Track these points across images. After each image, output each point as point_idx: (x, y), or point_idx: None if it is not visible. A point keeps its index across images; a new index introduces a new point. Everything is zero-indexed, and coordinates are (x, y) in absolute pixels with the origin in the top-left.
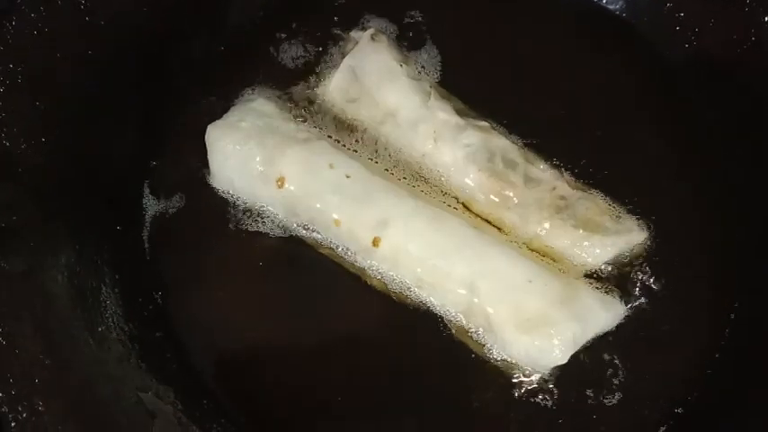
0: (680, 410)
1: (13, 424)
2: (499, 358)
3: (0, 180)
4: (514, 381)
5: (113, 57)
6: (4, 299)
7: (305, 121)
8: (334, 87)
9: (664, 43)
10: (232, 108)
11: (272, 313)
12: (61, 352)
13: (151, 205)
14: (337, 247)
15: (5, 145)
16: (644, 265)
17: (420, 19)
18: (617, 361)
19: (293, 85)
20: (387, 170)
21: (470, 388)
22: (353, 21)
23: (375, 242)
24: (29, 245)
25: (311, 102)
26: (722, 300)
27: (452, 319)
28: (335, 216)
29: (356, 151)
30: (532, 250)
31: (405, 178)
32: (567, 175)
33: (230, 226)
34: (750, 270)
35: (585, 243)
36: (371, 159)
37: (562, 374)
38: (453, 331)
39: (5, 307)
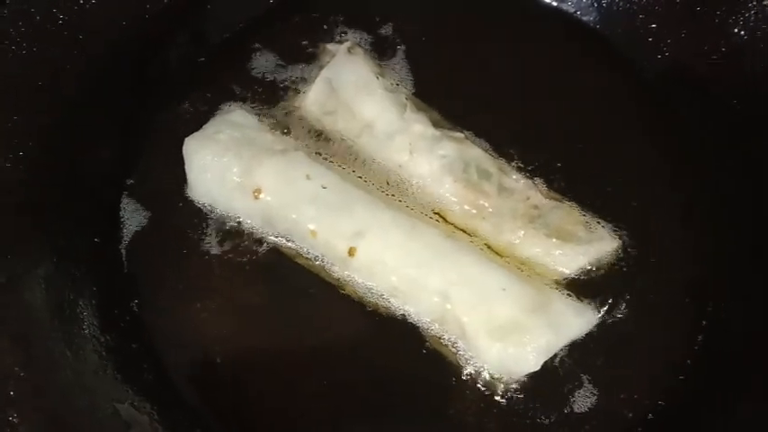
0: (651, 416)
1: None
2: (473, 366)
3: None
4: (489, 388)
5: (91, 70)
6: None
7: (282, 133)
8: (312, 99)
9: (638, 54)
10: (210, 120)
11: (249, 324)
12: (37, 364)
13: (129, 217)
14: (314, 258)
15: None
16: (616, 272)
17: (395, 31)
18: (589, 367)
19: (271, 96)
20: (363, 181)
21: (446, 395)
22: (330, 34)
23: (351, 252)
24: (6, 257)
25: (289, 113)
26: (694, 306)
27: (427, 327)
28: (312, 227)
29: (333, 162)
30: (507, 259)
31: (381, 189)
32: (540, 185)
33: (208, 238)
34: (722, 276)
35: (558, 252)
36: (348, 170)
37: (535, 381)
38: (428, 340)
39: None
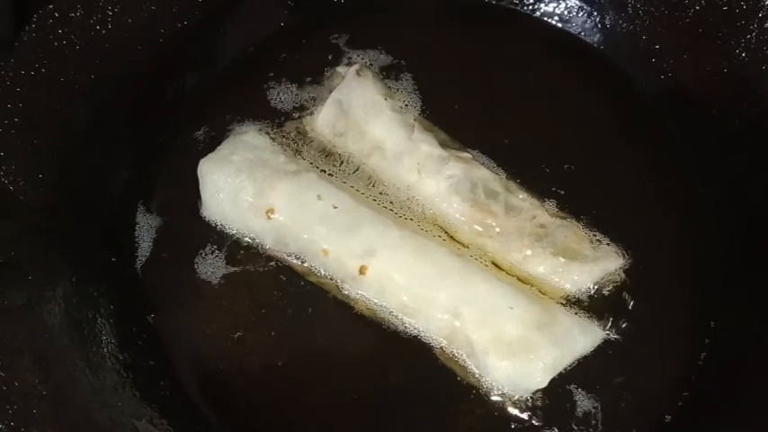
0: None
1: None
2: (482, 383)
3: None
4: (497, 405)
5: (108, 94)
6: (5, 332)
7: (294, 154)
8: (322, 121)
9: (641, 75)
10: (224, 141)
11: (263, 341)
12: (58, 383)
13: (144, 237)
14: (326, 276)
15: (4, 182)
16: (622, 290)
17: (403, 52)
18: (595, 384)
19: (283, 118)
20: (374, 200)
21: (455, 411)
22: (339, 56)
23: (362, 270)
24: (27, 279)
25: (300, 134)
26: (698, 324)
27: (437, 344)
28: (323, 246)
29: (343, 181)
30: (514, 277)
31: (391, 208)
32: (546, 203)
33: (222, 256)
34: (725, 294)
35: (565, 270)
36: (358, 190)
37: (542, 398)
38: (438, 357)
39: (6, 339)
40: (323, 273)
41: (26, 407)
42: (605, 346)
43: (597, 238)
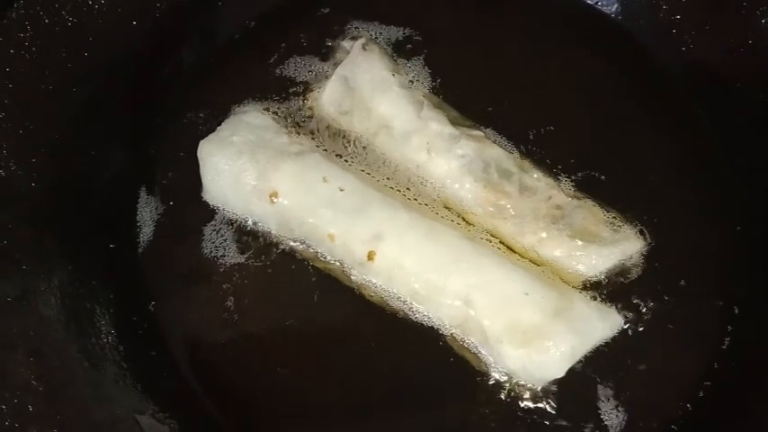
0: (675, 427)
1: None
2: (497, 371)
3: None
4: (511, 394)
5: (102, 73)
6: None
7: (298, 134)
8: (327, 98)
9: (660, 47)
10: (224, 122)
11: (267, 330)
12: (55, 377)
13: (144, 222)
14: (332, 261)
15: None
16: (642, 274)
17: (411, 25)
18: (614, 373)
19: (285, 95)
20: (381, 182)
21: (469, 401)
22: (344, 29)
23: (370, 256)
24: (21, 268)
25: (304, 113)
26: (722, 310)
27: (448, 332)
28: (330, 230)
29: (349, 162)
30: (530, 260)
31: (399, 190)
32: (563, 183)
33: (224, 242)
34: (750, 280)
35: (582, 253)
36: (365, 171)
37: (559, 388)
38: (450, 344)
39: None
40: (329, 258)
41: (21, 404)
42: (624, 333)
43: (616, 219)
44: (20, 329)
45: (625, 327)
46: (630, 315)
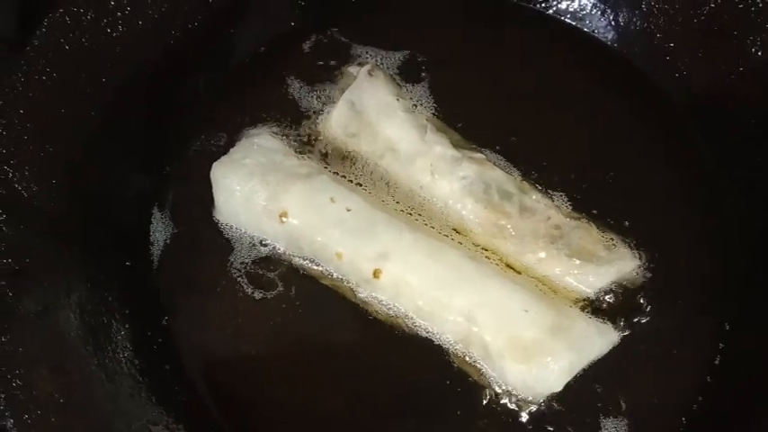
0: None
1: None
2: (497, 386)
3: (14, 224)
4: (512, 408)
5: (120, 96)
6: (21, 341)
7: (307, 156)
8: (335, 122)
9: (656, 72)
10: (237, 144)
11: (278, 345)
12: (76, 391)
13: (158, 240)
14: (340, 279)
15: (17, 189)
16: (637, 291)
17: (415, 52)
18: (610, 387)
19: (295, 119)
20: (386, 202)
21: (470, 415)
22: (351, 55)
23: (376, 274)
24: (42, 285)
25: (313, 135)
26: (714, 326)
27: (452, 347)
28: (337, 249)
29: (357, 184)
30: (527, 278)
31: (404, 210)
32: (561, 204)
33: (236, 260)
34: (742, 297)
35: (579, 272)
36: (371, 192)
37: (557, 402)
38: (453, 360)
39: (23, 348)
40: (337, 276)
41: (44, 416)
42: (619, 348)
43: (612, 239)
44: (42, 344)
45: (621, 342)
46: (627, 331)
